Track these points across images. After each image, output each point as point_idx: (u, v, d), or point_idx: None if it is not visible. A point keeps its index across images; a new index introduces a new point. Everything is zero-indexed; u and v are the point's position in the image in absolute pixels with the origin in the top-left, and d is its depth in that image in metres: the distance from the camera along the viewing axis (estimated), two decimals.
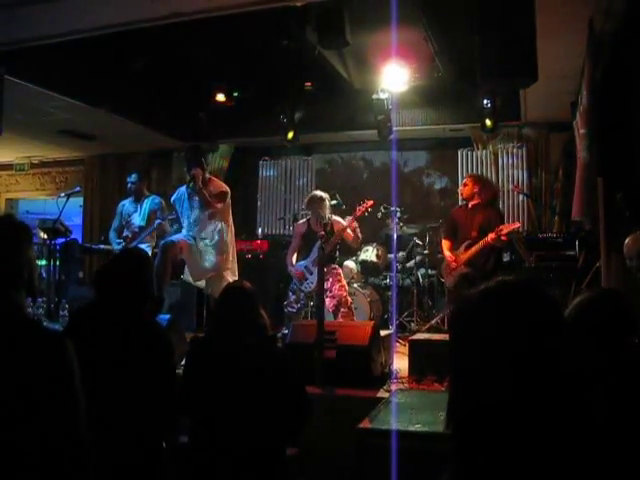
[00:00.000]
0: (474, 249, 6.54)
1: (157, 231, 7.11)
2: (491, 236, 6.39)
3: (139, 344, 2.87)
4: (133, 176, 7.44)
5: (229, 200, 6.59)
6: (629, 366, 2.16)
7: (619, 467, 1.55)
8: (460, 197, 7.21)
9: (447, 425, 1.33)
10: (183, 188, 6.68)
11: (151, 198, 7.32)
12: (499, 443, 1.20)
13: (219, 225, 6.50)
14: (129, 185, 7.44)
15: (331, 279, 6.81)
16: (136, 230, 7.09)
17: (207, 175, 6.61)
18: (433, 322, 7.73)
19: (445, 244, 6.97)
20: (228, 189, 6.60)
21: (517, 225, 6.87)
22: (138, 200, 7.35)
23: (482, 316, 1.29)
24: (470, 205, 6.83)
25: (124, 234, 7.21)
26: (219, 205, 6.41)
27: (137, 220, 7.19)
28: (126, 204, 7.46)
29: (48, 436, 1.75)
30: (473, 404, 1.26)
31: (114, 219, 7.56)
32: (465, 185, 6.90)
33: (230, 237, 6.63)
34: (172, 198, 6.82)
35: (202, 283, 6.62)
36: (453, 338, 1.39)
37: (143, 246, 6.76)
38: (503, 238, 6.49)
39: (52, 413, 1.76)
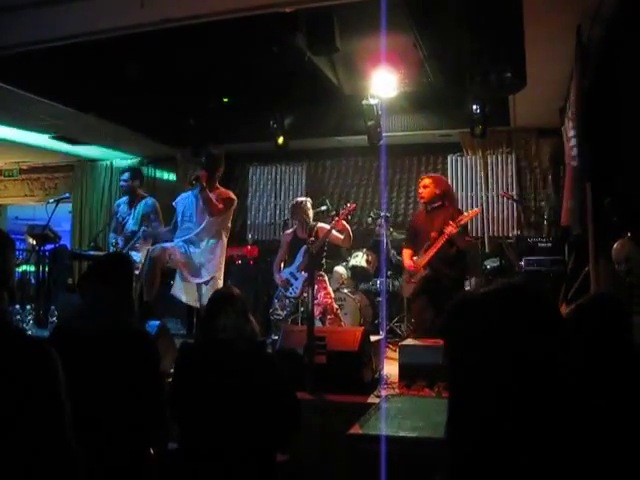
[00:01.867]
0: (434, 248, 6.18)
1: (151, 237, 7.05)
2: (450, 228, 6.02)
3: (123, 351, 2.86)
4: (125, 175, 7.35)
5: (233, 208, 6.56)
6: (626, 367, 2.18)
7: (620, 467, 1.56)
8: (421, 200, 6.67)
9: (447, 432, 1.31)
10: (190, 193, 6.61)
11: (144, 201, 7.23)
12: (497, 450, 1.20)
13: (217, 231, 6.46)
14: (122, 184, 7.36)
15: (316, 286, 6.79)
16: (129, 235, 7.04)
17: (217, 184, 6.56)
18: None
19: (405, 253, 6.64)
20: (234, 198, 6.56)
21: (476, 211, 6.64)
22: (132, 201, 7.27)
23: (487, 318, 1.28)
24: (430, 208, 6.50)
25: (112, 240, 7.17)
26: (222, 207, 6.33)
27: (130, 224, 7.13)
28: (121, 204, 7.37)
29: (33, 444, 1.73)
30: (474, 410, 1.25)
31: (111, 220, 7.50)
32: (425, 187, 6.47)
33: (224, 244, 6.58)
34: (175, 201, 6.73)
35: (187, 298, 6.52)
36: (453, 342, 1.35)
37: (135, 253, 6.75)
38: (467, 239, 6.29)
39: (37, 420, 1.75)
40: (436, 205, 6.44)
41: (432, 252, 6.21)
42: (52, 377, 1.81)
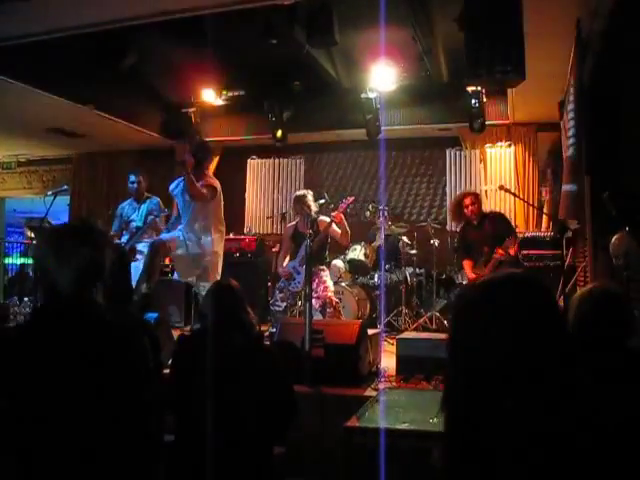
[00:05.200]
0: (490, 266, 6.45)
1: (153, 229, 7.05)
2: (500, 252, 6.37)
3: (118, 343, 2.85)
4: (133, 176, 7.36)
5: (220, 197, 6.49)
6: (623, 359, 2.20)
7: (620, 465, 1.57)
8: (468, 216, 6.80)
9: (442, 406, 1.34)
10: (180, 180, 6.58)
11: (149, 200, 7.27)
12: (496, 425, 1.22)
13: (208, 222, 6.43)
14: (132, 185, 7.34)
15: (316, 280, 6.78)
16: (134, 231, 7.04)
17: (205, 172, 6.52)
18: (421, 321, 7.76)
19: (467, 264, 6.82)
20: (219, 186, 6.48)
21: (514, 242, 6.87)
22: (138, 202, 7.30)
23: (489, 304, 1.32)
24: (475, 221, 6.76)
25: (111, 233, 7.18)
26: (205, 192, 6.25)
27: (136, 222, 7.16)
28: (125, 207, 7.40)
29: (127, 431, 1.93)
30: (473, 388, 1.28)
31: (113, 222, 7.48)
32: (473, 204, 6.74)
33: (220, 235, 6.56)
34: (171, 187, 6.69)
35: (192, 279, 6.56)
36: (455, 324, 1.40)
37: (141, 245, 6.75)
38: (511, 252, 6.48)
39: (132, 408, 1.95)
40: (479, 217, 6.74)
41: (490, 268, 6.43)
42: (143, 364, 2.04)
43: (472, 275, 6.63)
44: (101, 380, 1.96)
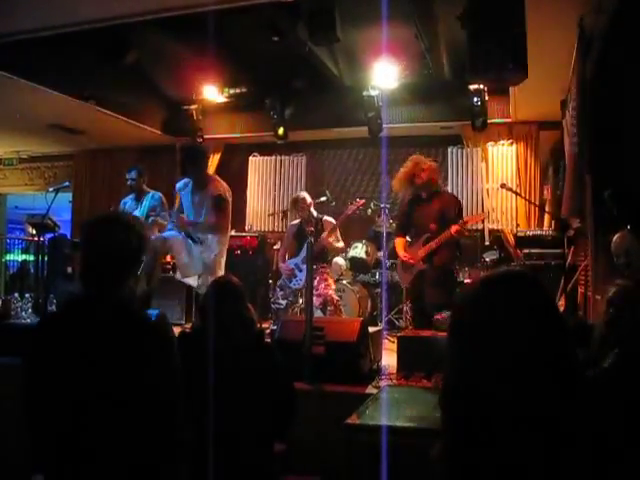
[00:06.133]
0: (434, 243, 6.00)
1: (157, 225, 7.05)
2: (454, 228, 5.85)
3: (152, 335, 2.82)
4: (132, 172, 7.36)
5: (229, 208, 6.51)
6: None
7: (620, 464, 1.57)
8: (418, 184, 6.12)
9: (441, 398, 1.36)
10: (188, 185, 6.57)
11: (151, 195, 7.26)
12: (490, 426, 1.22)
13: (215, 222, 6.45)
14: (129, 182, 7.36)
15: (318, 277, 6.78)
16: None
17: (209, 174, 6.53)
18: None
19: (400, 242, 6.36)
20: (229, 193, 6.49)
21: (482, 217, 6.67)
22: (139, 197, 7.30)
23: (486, 301, 1.33)
24: (424, 194, 6.21)
25: None
26: (214, 220, 6.29)
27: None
28: (128, 202, 7.41)
29: (148, 431, 1.96)
30: (470, 380, 1.28)
31: None
32: (424, 170, 6.08)
33: (224, 234, 6.57)
34: (178, 186, 6.69)
35: (193, 281, 6.55)
36: (456, 322, 1.40)
37: None
38: (466, 234, 6.21)
39: (155, 407, 1.99)
40: (432, 190, 6.19)
41: (433, 247, 6.03)
42: (169, 358, 2.09)
43: (404, 254, 6.20)
44: (132, 371, 2.01)
